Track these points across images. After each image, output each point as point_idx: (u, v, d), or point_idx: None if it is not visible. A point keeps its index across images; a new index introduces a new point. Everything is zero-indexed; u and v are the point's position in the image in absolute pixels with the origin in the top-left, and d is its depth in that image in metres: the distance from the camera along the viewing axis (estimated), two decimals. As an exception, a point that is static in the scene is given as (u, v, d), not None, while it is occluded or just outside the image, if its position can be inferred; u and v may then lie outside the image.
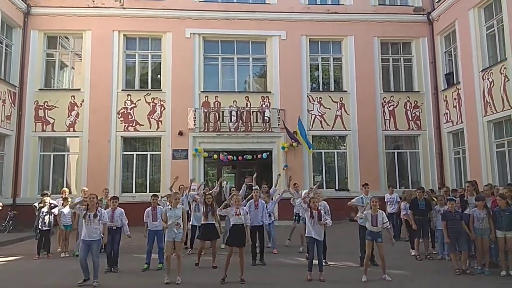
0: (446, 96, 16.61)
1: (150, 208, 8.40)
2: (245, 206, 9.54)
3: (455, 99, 15.92)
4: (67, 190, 11.37)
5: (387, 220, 7.40)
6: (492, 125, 13.93)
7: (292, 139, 15.89)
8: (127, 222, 8.48)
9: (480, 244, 7.52)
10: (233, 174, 18.05)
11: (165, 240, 7.22)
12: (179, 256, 7.17)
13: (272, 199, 10.12)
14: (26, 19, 15.90)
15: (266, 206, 9.42)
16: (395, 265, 8.03)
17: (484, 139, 13.96)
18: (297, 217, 10.43)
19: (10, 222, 13.54)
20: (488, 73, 13.93)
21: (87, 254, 6.91)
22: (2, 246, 10.94)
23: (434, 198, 9.42)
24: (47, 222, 9.62)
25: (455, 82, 16.11)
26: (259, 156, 16.12)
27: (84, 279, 6.93)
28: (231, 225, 7.20)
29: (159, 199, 8.87)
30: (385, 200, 11.94)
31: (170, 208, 7.24)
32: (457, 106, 15.71)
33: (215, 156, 16.22)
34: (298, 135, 15.78)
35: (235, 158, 16.09)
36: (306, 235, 7.24)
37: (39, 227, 9.56)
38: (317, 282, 6.96)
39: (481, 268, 7.54)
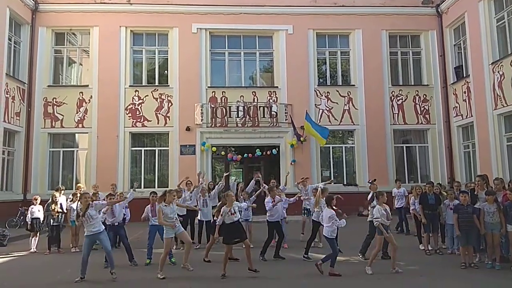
0: (455, 89, 16.44)
1: (149, 205, 8.63)
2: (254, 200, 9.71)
3: (464, 92, 15.74)
4: (82, 185, 11.52)
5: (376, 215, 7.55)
6: (502, 119, 13.74)
7: (296, 136, 15.81)
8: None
9: (490, 239, 7.46)
10: (241, 169, 18.07)
11: (164, 237, 7.33)
12: (189, 241, 7.35)
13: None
14: (34, 16, 15.99)
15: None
16: (404, 260, 8.01)
17: (494, 133, 13.79)
18: (306, 211, 10.49)
19: (21, 217, 13.67)
20: (498, 66, 13.73)
21: (90, 250, 7.01)
22: (14, 241, 11.08)
23: (444, 193, 9.34)
24: (56, 218, 9.72)
25: (464, 75, 15.91)
26: (268, 152, 16.09)
27: (81, 277, 6.94)
28: (227, 223, 7.15)
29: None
30: (393, 195, 11.88)
31: (165, 206, 7.30)
32: (467, 100, 15.54)
33: (223, 152, 16.22)
34: (306, 130, 15.69)
35: (245, 155, 16.03)
36: (330, 236, 7.18)
37: (50, 223, 9.65)
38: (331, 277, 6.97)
39: (491, 263, 7.48)
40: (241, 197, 10.20)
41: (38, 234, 9.90)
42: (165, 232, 7.34)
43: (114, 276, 6.95)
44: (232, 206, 7.16)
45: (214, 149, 16.04)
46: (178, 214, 9.77)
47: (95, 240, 7.05)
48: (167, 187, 13.45)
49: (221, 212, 7.19)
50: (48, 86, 16.13)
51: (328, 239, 7.20)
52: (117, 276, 6.98)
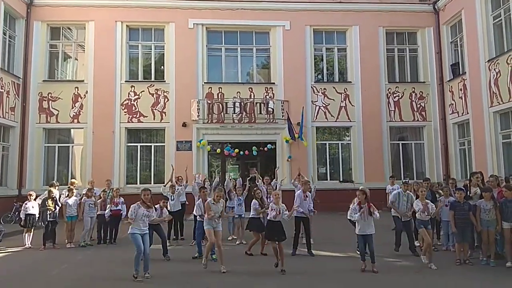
0: (451, 86, 16.47)
1: (200, 200, 8.31)
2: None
3: (460, 89, 15.78)
4: (75, 181, 11.47)
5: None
6: (498, 116, 13.81)
7: (291, 135, 15.79)
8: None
9: (486, 236, 7.47)
10: (237, 166, 18.06)
11: (205, 228, 7.34)
12: (220, 245, 7.21)
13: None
14: (29, 10, 15.85)
15: (268, 198, 9.51)
16: (400, 256, 8.07)
17: (490, 130, 13.86)
18: None
19: (16, 213, 13.59)
20: (494, 63, 13.77)
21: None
22: (9, 237, 11.00)
23: (440, 191, 9.35)
24: (52, 214, 9.66)
25: (461, 73, 15.96)
26: (265, 149, 16.08)
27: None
28: (267, 220, 7.25)
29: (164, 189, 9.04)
30: (386, 191, 11.91)
31: (213, 203, 7.35)
32: (463, 97, 15.58)
33: (218, 150, 16.20)
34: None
35: (241, 153, 15.99)
36: (358, 233, 7.19)
37: (47, 218, 9.59)
38: (357, 272, 7.00)
39: (486, 260, 7.51)
40: (234, 192, 10.26)
41: (32, 230, 9.82)
42: (204, 223, 7.39)
43: (147, 276, 6.71)
44: (282, 206, 7.29)
45: (208, 148, 16.01)
46: (169, 211, 9.82)
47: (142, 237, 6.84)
48: (163, 183, 13.40)
49: (270, 208, 7.38)
50: (43, 81, 16.01)
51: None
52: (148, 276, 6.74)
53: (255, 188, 9.52)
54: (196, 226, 8.50)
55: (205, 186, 9.93)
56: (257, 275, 6.94)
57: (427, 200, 7.69)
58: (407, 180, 9.32)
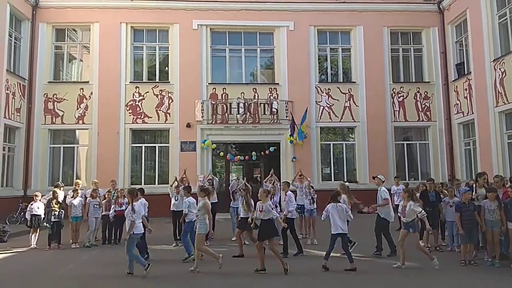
0: (456, 86, 16.39)
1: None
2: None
3: (466, 89, 15.69)
4: (80, 181, 11.52)
5: (420, 210, 7.27)
6: (503, 116, 13.72)
7: (292, 134, 15.80)
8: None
9: (490, 236, 7.43)
10: (241, 166, 18.06)
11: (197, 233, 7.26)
12: (198, 248, 7.12)
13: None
14: (34, 12, 15.96)
15: (272, 198, 9.50)
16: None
17: (495, 130, 13.77)
18: (300, 210, 10.43)
19: (22, 214, 13.68)
20: (500, 63, 13.68)
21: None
22: (14, 237, 11.08)
23: (445, 191, 9.31)
24: (57, 214, 9.71)
25: (466, 72, 15.87)
26: (266, 152, 16.08)
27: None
28: (260, 221, 7.16)
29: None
30: (391, 192, 11.82)
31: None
32: (468, 97, 15.50)
33: (221, 153, 16.24)
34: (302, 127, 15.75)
35: (241, 158, 16.14)
36: (333, 232, 7.21)
37: (52, 219, 9.64)
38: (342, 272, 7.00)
39: (491, 260, 7.47)
40: (239, 193, 10.27)
41: (38, 230, 9.88)
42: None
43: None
44: (265, 204, 7.13)
45: (214, 146, 16.06)
46: (174, 210, 9.86)
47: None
48: (167, 183, 13.44)
49: (257, 207, 7.29)
50: (49, 82, 16.12)
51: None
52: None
53: (238, 187, 9.55)
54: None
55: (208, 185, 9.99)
56: (258, 276, 6.91)
57: (412, 202, 7.26)
58: (376, 175, 9.34)
